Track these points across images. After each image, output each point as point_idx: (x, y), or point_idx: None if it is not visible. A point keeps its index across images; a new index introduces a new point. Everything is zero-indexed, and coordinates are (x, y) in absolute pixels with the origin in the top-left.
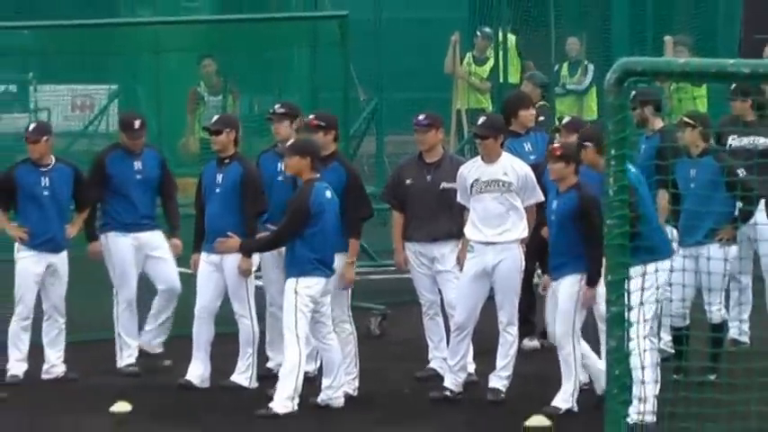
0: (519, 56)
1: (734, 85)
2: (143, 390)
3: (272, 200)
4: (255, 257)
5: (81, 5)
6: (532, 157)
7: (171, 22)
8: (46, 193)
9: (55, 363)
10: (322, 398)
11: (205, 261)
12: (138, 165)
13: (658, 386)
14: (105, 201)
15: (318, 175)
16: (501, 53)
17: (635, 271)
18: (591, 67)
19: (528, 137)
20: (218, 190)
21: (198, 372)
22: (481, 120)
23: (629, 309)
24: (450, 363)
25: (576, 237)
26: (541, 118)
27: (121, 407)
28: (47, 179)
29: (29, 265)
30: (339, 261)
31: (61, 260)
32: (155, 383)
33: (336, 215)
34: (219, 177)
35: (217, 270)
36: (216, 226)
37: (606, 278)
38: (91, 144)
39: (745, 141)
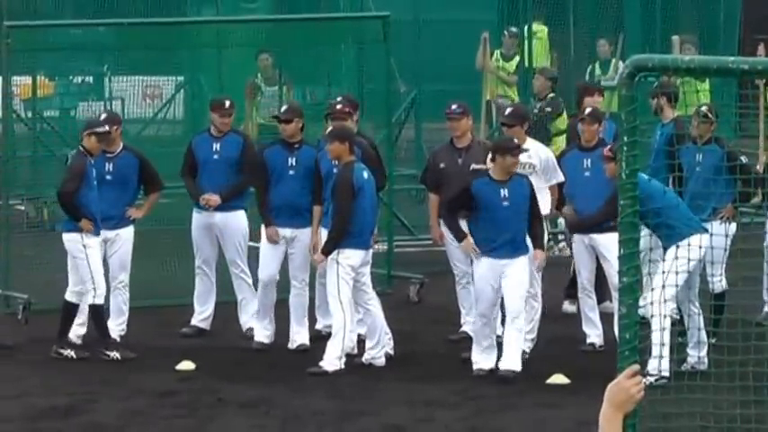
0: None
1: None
2: (205, 351)
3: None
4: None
5: (151, 5)
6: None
7: (232, 20)
8: (109, 177)
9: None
10: (366, 357)
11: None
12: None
13: (668, 348)
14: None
15: (354, 158)
16: (527, 49)
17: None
18: (621, 65)
19: None
20: (291, 172)
21: (266, 332)
22: (508, 110)
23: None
24: None
25: (525, 220)
26: (548, 109)
27: (186, 365)
28: (111, 164)
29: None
30: None
31: (119, 235)
32: (215, 345)
33: (373, 193)
34: (292, 160)
35: (282, 243)
36: (292, 203)
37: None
38: (159, 130)
39: None
